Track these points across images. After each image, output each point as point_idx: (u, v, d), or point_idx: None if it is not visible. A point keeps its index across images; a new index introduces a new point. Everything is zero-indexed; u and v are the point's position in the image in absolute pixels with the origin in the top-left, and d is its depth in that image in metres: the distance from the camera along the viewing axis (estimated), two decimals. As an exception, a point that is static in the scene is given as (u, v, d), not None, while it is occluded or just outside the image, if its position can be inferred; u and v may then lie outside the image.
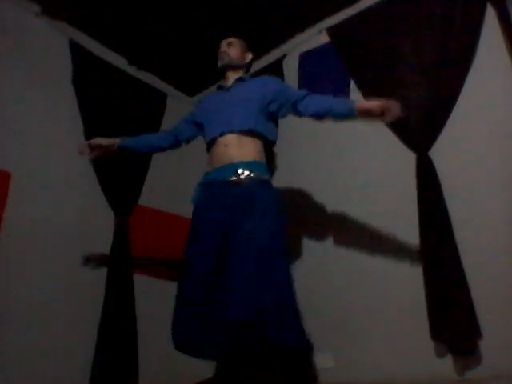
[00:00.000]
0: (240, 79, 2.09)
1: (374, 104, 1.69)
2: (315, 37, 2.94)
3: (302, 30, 3.03)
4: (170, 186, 3.28)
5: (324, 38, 2.88)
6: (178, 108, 3.52)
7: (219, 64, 2.12)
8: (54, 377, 2.23)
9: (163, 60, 3.28)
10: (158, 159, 3.06)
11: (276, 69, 3.08)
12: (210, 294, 1.74)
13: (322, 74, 2.86)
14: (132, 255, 2.71)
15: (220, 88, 2.15)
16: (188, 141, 2.24)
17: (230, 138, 1.90)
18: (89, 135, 2.74)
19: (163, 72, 3.41)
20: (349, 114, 1.78)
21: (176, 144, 2.22)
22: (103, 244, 2.64)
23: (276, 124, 2.07)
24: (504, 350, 1.84)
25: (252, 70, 3.12)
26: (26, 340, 2.19)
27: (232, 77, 2.10)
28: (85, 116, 2.76)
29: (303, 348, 1.70)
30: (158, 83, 3.42)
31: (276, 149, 2.91)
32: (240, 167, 1.84)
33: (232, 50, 2.12)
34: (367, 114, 1.71)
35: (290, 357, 1.71)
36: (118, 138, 2.14)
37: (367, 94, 2.57)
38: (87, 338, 2.41)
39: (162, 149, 2.23)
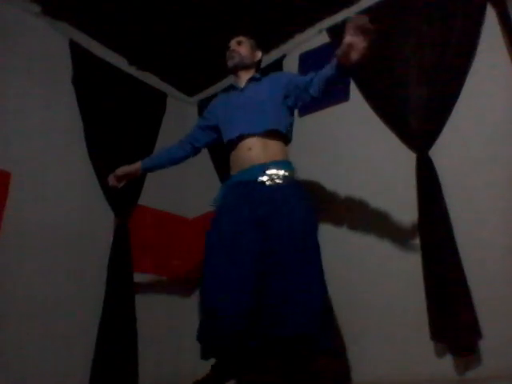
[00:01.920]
0: (252, 79, 2.06)
1: (344, 42, 1.52)
2: (315, 37, 2.94)
3: (301, 30, 3.03)
4: (170, 186, 3.28)
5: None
6: (177, 108, 3.53)
7: (230, 64, 2.08)
8: (54, 376, 2.23)
9: (163, 60, 3.28)
10: (158, 159, 3.06)
11: (276, 69, 3.08)
12: (251, 303, 1.63)
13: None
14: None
15: (232, 88, 2.11)
16: (206, 146, 2.24)
17: (253, 141, 1.88)
18: (89, 135, 2.75)
19: (163, 72, 3.41)
20: (337, 69, 1.65)
21: (194, 152, 2.21)
22: (103, 244, 2.65)
23: (293, 120, 2.04)
24: (504, 350, 1.84)
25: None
26: (26, 339, 2.19)
27: (244, 76, 2.07)
28: (85, 116, 2.76)
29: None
30: (157, 83, 3.42)
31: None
32: (269, 167, 1.82)
33: (242, 48, 2.08)
34: (349, 54, 1.54)
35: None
36: (138, 162, 2.19)
37: (367, 94, 2.58)
38: (87, 337, 2.41)
39: (181, 159, 2.22)
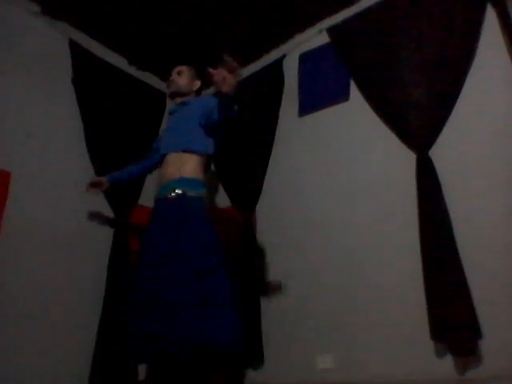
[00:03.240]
0: (182, 103, 2.25)
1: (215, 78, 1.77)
2: (315, 37, 2.94)
3: (301, 30, 3.03)
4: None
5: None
6: (177, 108, 3.53)
7: (167, 92, 2.35)
8: (54, 377, 2.23)
9: (163, 60, 3.27)
10: (157, 159, 3.06)
11: (276, 69, 3.08)
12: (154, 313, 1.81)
13: (321, 74, 2.86)
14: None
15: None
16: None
17: (172, 158, 2.08)
18: (89, 135, 2.75)
19: (163, 72, 3.40)
20: (222, 100, 1.86)
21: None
22: (103, 244, 2.64)
23: (215, 137, 2.15)
24: (504, 350, 1.84)
25: (251, 71, 3.14)
26: (25, 339, 2.19)
27: (179, 101, 2.29)
28: (85, 116, 2.76)
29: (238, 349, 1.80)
30: (157, 83, 3.42)
31: (275, 148, 2.92)
32: (175, 185, 2.00)
33: (181, 78, 2.28)
34: (220, 86, 1.77)
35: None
36: (106, 176, 2.39)
37: (367, 94, 2.58)
38: (87, 337, 2.41)
39: (150, 167, 2.40)
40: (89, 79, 2.85)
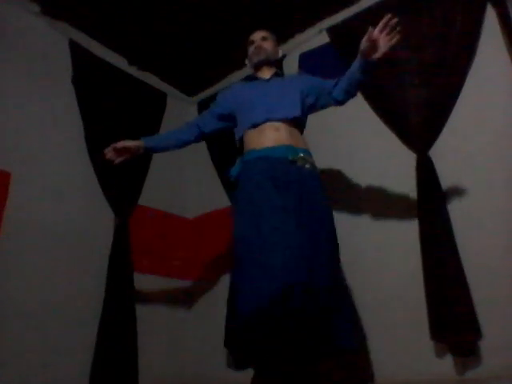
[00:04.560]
0: (276, 74, 2.08)
1: (365, 39, 1.71)
2: (315, 37, 2.94)
3: (301, 30, 3.03)
4: (170, 186, 3.28)
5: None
6: (178, 108, 3.53)
7: (255, 59, 2.05)
8: (54, 377, 2.23)
9: (163, 60, 3.28)
10: (157, 159, 3.06)
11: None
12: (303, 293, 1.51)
13: (322, 74, 2.84)
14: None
15: (253, 79, 2.09)
16: (213, 133, 2.14)
17: (280, 125, 1.85)
18: (89, 135, 2.75)
19: (163, 72, 3.41)
20: (363, 67, 1.78)
21: (200, 136, 2.12)
22: (103, 244, 2.64)
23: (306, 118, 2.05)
24: (504, 350, 1.84)
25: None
26: (25, 340, 2.19)
27: (267, 71, 2.06)
28: (85, 116, 2.76)
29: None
30: (158, 83, 3.42)
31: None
32: (300, 152, 1.80)
33: (267, 44, 2.07)
34: (372, 48, 1.71)
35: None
36: (140, 139, 2.05)
37: (367, 94, 2.58)
38: (87, 338, 2.40)
39: (187, 142, 2.13)
40: (89, 79, 2.85)
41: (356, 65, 1.81)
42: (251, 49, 2.08)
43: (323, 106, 2.01)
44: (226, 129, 2.13)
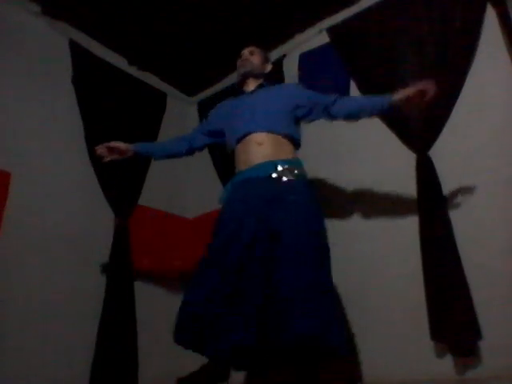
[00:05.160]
0: (260, 86, 2.10)
1: (411, 90, 1.72)
2: (315, 37, 2.94)
3: (301, 30, 3.03)
4: (170, 186, 3.28)
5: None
6: (178, 108, 3.53)
7: (242, 71, 2.12)
8: (54, 377, 2.23)
9: (163, 60, 3.28)
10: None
11: (276, 69, 3.08)
12: (237, 293, 1.59)
13: (321, 74, 2.86)
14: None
15: (239, 94, 2.15)
16: (201, 149, 2.23)
17: (263, 137, 1.86)
18: (89, 135, 2.75)
19: (163, 72, 3.41)
20: (383, 110, 1.84)
21: (189, 151, 2.20)
22: (103, 244, 2.64)
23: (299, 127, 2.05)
24: (504, 350, 1.84)
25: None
26: (26, 340, 2.19)
27: (252, 84, 2.11)
28: (85, 116, 2.76)
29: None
30: (158, 83, 3.42)
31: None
32: (279, 164, 1.80)
33: (254, 58, 2.14)
34: (407, 102, 1.75)
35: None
36: (133, 144, 2.10)
37: (367, 94, 2.57)
38: (87, 338, 2.40)
39: (176, 154, 2.20)
40: (89, 79, 2.85)
41: (379, 103, 1.83)
42: (238, 62, 2.16)
43: (314, 119, 2.03)
44: (215, 143, 2.19)
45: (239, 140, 1.92)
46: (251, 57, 2.14)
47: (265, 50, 2.23)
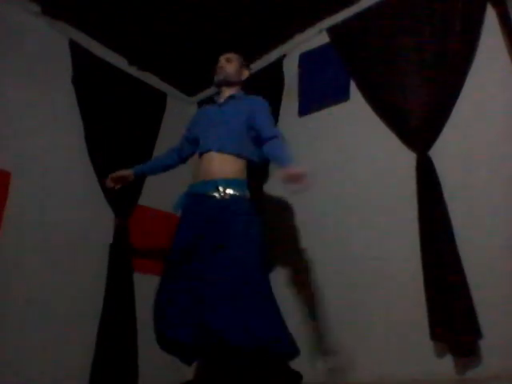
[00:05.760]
0: (231, 97, 2.15)
1: (284, 173, 1.82)
2: (315, 37, 2.94)
3: (301, 30, 3.03)
4: (170, 186, 3.28)
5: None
6: (178, 108, 3.53)
7: (215, 79, 2.19)
8: (54, 377, 2.23)
9: (163, 60, 3.28)
10: (157, 159, 3.06)
11: (276, 69, 3.08)
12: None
13: (321, 74, 2.86)
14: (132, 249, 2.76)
15: (213, 101, 2.24)
16: (190, 156, 2.33)
17: (214, 156, 2.00)
18: (89, 135, 2.75)
19: (163, 72, 3.41)
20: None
21: (180, 161, 2.33)
22: (103, 244, 2.64)
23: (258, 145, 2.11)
24: (504, 350, 1.84)
25: (251, 71, 3.13)
26: (25, 339, 2.19)
27: (226, 92, 2.19)
28: (85, 116, 2.76)
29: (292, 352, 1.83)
30: (158, 83, 3.42)
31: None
32: (220, 184, 1.93)
33: (229, 66, 2.18)
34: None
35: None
36: (131, 169, 2.29)
37: (367, 94, 2.58)
38: (87, 338, 2.41)
39: (168, 167, 2.36)
40: (89, 79, 2.85)
41: (280, 163, 1.93)
42: (216, 69, 2.22)
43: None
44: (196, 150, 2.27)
45: (200, 154, 2.08)
46: (227, 64, 2.19)
47: (243, 56, 2.27)
